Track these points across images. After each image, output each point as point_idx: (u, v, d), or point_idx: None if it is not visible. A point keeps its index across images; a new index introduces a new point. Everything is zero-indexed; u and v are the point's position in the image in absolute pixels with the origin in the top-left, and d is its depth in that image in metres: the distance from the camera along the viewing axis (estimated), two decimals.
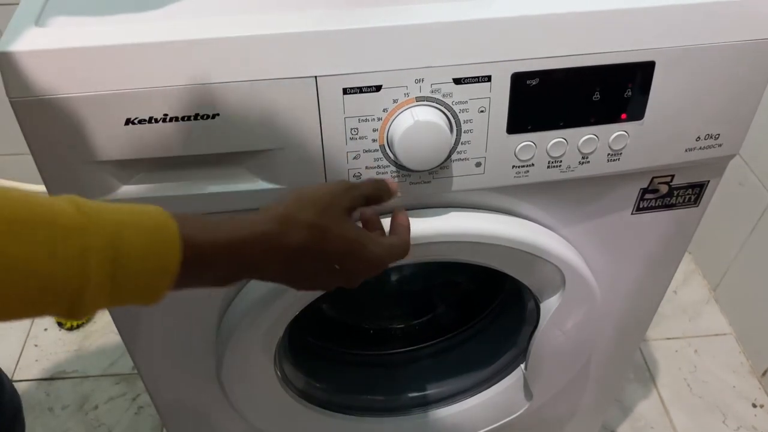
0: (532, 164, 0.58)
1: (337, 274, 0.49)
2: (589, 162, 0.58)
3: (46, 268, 0.34)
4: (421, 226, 0.60)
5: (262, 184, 0.55)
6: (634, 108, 0.56)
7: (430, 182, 0.57)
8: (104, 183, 0.53)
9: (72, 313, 0.36)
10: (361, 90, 0.51)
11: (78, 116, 0.49)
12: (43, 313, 0.36)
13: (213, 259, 0.41)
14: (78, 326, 1.34)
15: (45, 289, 0.34)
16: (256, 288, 0.63)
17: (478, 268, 0.67)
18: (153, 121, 0.50)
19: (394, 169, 0.56)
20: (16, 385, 0.77)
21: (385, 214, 0.59)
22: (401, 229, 0.54)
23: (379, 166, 0.56)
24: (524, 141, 0.56)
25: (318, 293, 0.63)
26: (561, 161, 0.58)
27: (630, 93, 0.55)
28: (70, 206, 0.36)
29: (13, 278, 0.33)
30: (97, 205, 0.37)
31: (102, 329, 1.34)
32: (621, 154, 0.58)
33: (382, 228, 0.55)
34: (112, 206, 0.38)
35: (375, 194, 0.52)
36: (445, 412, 0.86)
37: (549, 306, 0.71)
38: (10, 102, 0.48)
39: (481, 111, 0.54)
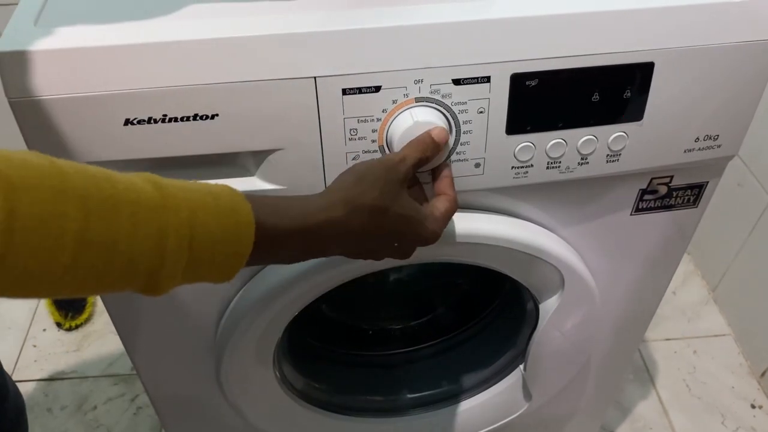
0: (532, 165, 0.58)
1: (395, 249, 0.51)
2: (588, 163, 0.58)
3: (127, 246, 0.34)
4: None
5: (261, 185, 0.55)
6: (633, 109, 0.56)
7: (429, 183, 0.57)
8: None
9: (148, 289, 0.37)
10: (360, 90, 0.51)
11: (77, 117, 0.49)
12: (120, 290, 0.36)
13: (283, 242, 0.43)
14: (77, 327, 1.34)
15: (125, 267, 0.34)
16: (255, 289, 0.63)
17: (478, 269, 0.67)
18: (152, 121, 0.50)
19: None
20: None
21: None
22: (445, 183, 0.55)
23: None
24: (523, 142, 0.56)
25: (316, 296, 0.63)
26: (560, 162, 0.58)
27: (629, 94, 0.55)
28: (147, 184, 0.36)
29: (97, 255, 0.33)
30: (173, 184, 0.37)
31: (101, 330, 1.34)
32: (620, 155, 0.58)
33: (422, 188, 0.56)
34: (188, 185, 0.38)
35: (430, 158, 0.52)
36: (444, 413, 0.86)
37: (548, 307, 0.71)
38: (9, 102, 0.48)
39: (481, 112, 0.54)
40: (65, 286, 0.33)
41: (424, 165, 0.52)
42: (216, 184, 0.40)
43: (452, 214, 0.53)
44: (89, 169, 0.34)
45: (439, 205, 0.53)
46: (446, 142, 0.53)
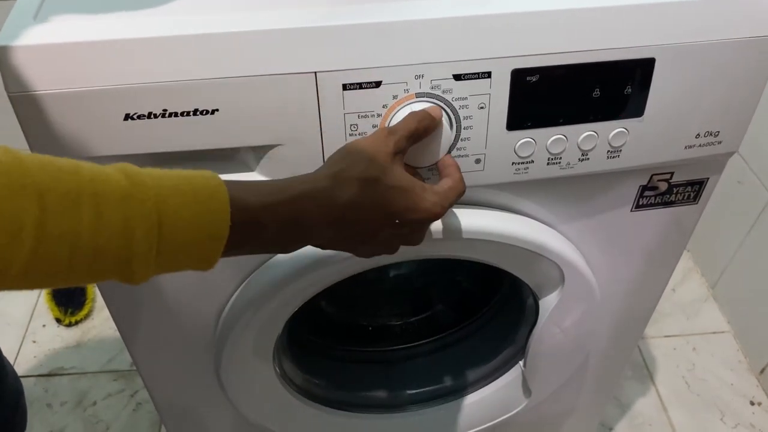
0: (532, 161, 0.58)
1: (398, 230, 0.48)
2: (588, 159, 0.58)
3: (90, 237, 0.34)
4: None
5: (261, 180, 0.55)
6: (634, 105, 0.56)
7: (429, 179, 0.57)
8: None
9: (124, 278, 0.37)
10: (360, 86, 0.51)
11: (77, 111, 0.49)
12: (97, 280, 0.36)
13: (264, 220, 0.41)
14: (76, 323, 1.34)
15: (91, 258, 0.34)
16: (255, 285, 0.63)
17: (477, 265, 0.67)
18: (152, 116, 0.50)
19: None
20: None
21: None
22: (450, 169, 0.53)
23: None
24: (524, 138, 0.56)
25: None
26: (561, 158, 0.58)
27: (630, 90, 0.55)
28: (118, 174, 0.36)
29: (58, 248, 0.33)
30: (148, 173, 0.37)
31: (100, 325, 1.34)
32: (621, 151, 0.58)
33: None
34: (164, 173, 0.38)
35: (419, 128, 0.50)
36: (444, 409, 0.86)
37: (548, 303, 0.71)
38: (9, 97, 0.48)
39: (481, 107, 0.54)
40: (32, 279, 0.34)
41: (418, 138, 0.51)
42: (197, 171, 0.39)
43: (457, 192, 0.51)
44: (56, 163, 0.34)
45: (442, 182, 0.51)
46: (440, 116, 0.52)
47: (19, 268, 0.32)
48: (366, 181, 0.45)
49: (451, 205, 0.50)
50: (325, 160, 0.48)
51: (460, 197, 0.51)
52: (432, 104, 0.52)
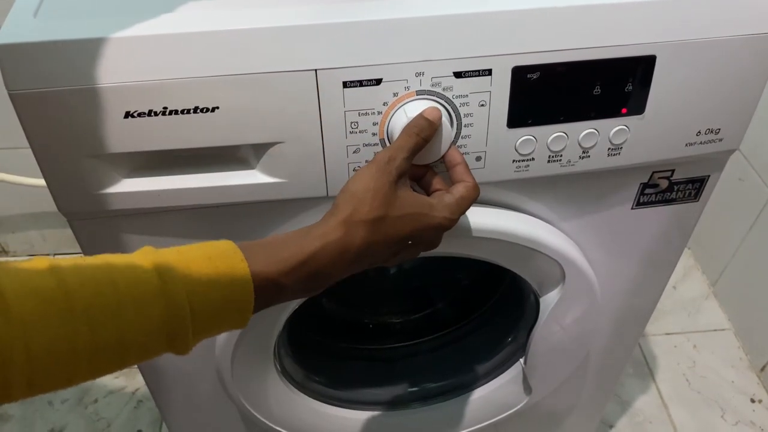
0: (533, 158, 0.57)
1: (414, 247, 0.51)
2: (589, 156, 0.58)
3: (135, 336, 0.38)
4: None
5: (261, 178, 0.55)
6: (635, 102, 0.56)
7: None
8: (104, 176, 0.53)
9: (171, 351, 0.41)
10: (361, 83, 0.51)
11: (77, 109, 0.49)
12: (152, 358, 0.41)
13: (284, 283, 0.44)
14: None
15: (138, 352, 0.39)
16: None
17: (478, 263, 0.67)
18: (152, 114, 0.50)
19: None
20: None
21: None
22: (460, 172, 0.53)
23: None
24: (525, 135, 0.56)
25: None
26: (561, 156, 0.58)
27: (631, 87, 0.55)
28: (148, 269, 0.39)
29: (112, 354, 0.37)
30: (173, 259, 0.40)
31: None
32: (621, 148, 0.58)
33: (439, 180, 0.54)
34: (186, 255, 0.41)
35: (419, 143, 0.50)
36: (444, 406, 0.86)
37: (548, 301, 0.71)
38: (9, 95, 0.48)
39: (482, 105, 0.54)
40: (89, 378, 0.38)
41: (422, 148, 0.51)
42: (218, 247, 0.42)
43: (471, 199, 0.52)
44: (89, 272, 0.37)
45: (453, 191, 0.52)
46: (440, 119, 0.51)
47: (79, 379, 0.37)
48: (374, 221, 0.47)
49: (464, 212, 0.52)
50: (333, 203, 0.49)
51: (475, 201, 0.53)
52: (431, 104, 0.52)
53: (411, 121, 0.51)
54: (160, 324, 0.39)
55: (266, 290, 0.43)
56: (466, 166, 0.54)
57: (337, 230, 0.46)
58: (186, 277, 0.40)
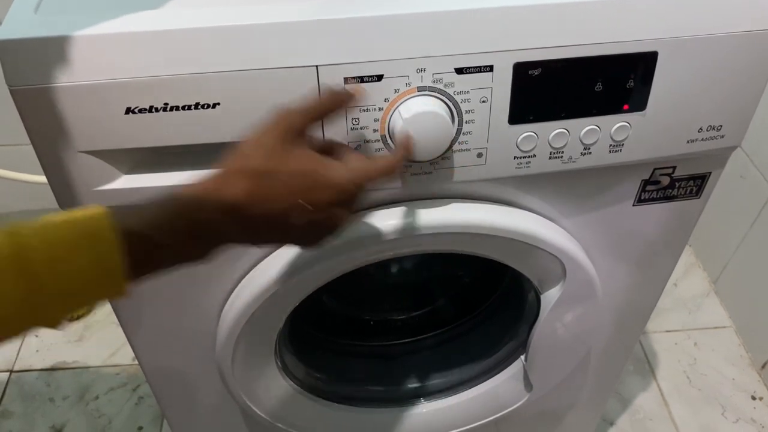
0: (534, 155, 0.57)
1: (312, 215, 0.45)
2: (590, 153, 0.58)
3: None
4: (423, 217, 0.60)
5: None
6: (637, 99, 0.56)
7: (431, 173, 0.57)
8: (104, 172, 0.53)
9: (50, 326, 0.38)
10: (362, 79, 0.51)
11: (78, 105, 0.49)
12: (28, 331, 0.38)
13: (161, 239, 0.41)
14: (79, 317, 1.34)
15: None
16: (257, 279, 0.63)
17: (479, 260, 0.67)
18: (153, 110, 0.50)
19: None
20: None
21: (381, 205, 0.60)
22: (397, 147, 0.50)
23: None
24: (526, 131, 0.56)
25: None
26: (563, 152, 0.58)
27: (632, 83, 0.55)
28: (5, 239, 0.36)
29: None
30: (28, 228, 0.37)
31: (103, 320, 1.34)
32: (623, 145, 0.58)
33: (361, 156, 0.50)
34: (45, 225, 0.38)
35: (320, 109, 0.47)
36: (445, 403, 0.86)
37: (549, 298, 0.71)
38: (10, 90, 0.48)
39: (483, 101, 0.54)
40: None
41: (324, 114, 0.48)
42: (80, 209, 0.39)
43: (380, 172, 0.48)
44: None
45: (368, 159, 0.49)
46: (360, 95, 0.49)
47: None
48: (258, 174, 0.43)
49: (368, 183, 0.47)
50: None
51: (387, 177, 0.48)
52: (432, 100, 0.52)
53: (329, 88, 0.48)
54: (17, 297, 0.35)
55: (139, 248, 0.39)
56: (407, 150, 0.50)
57: (217, 180, 0.43)
58: (44, 242, 0.37)
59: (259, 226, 0.45)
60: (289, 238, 0.48)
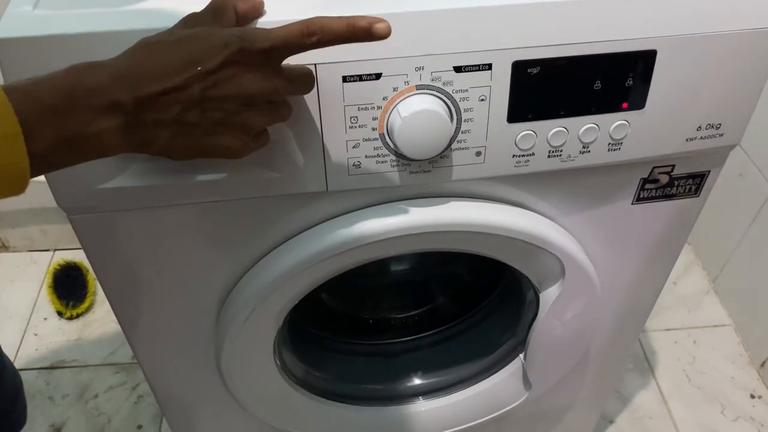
0: (533, 153, 0.57)
1: (209, 90, 0.41)
2: (589, 151, 0.58)
3: None
4: (421, 215, 0.60)
5: (261, 173, 0.55)
6: (636, 97, 0.56)
7: (430, 171, 0.57)
8: (103, 171, 0.53)
9: None
10: (360, 78, 0.51)
11: None
12: None
13: (46, 98, 0.38)
14: (78, 316, 1.34)
15: None
16: (257, 276, 0.63)
17: (478, 258, 0.67)
18: None
19: (394, 158, 0.56)
20: None
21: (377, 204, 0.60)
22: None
23: (378, 155, 0.55)
24: (525, 130, 0.56)
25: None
26: (561, 150, 0.58)
27: (631, 82, 0.55)
28: None
29: None
30: None
31: (102, 319, 1.34)
32: (622, 143, 0.58)
33: None
34: None
35: (288, 38, 0.43)
36: (444, 402, 0.86)
37: (548, 296, 0.71)
38: None
39: (482, 99, 0.53)
40: None
41: (292, 49, 0.44)
42: None
43: (280, 41, 0.43)
44: None
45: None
46: (311, 79, 0.47)
47: None
48: (150, 43, 0.42)
49: (262, 40, 0.42)
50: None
51: (285, 44, 0.43)
52: (431, 98, 0.52)
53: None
54: None
55: (23, 108, 0.36)
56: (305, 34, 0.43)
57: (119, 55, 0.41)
58: None
59: (153, 100, 0.41)
60: (192, 133, 0.43)
